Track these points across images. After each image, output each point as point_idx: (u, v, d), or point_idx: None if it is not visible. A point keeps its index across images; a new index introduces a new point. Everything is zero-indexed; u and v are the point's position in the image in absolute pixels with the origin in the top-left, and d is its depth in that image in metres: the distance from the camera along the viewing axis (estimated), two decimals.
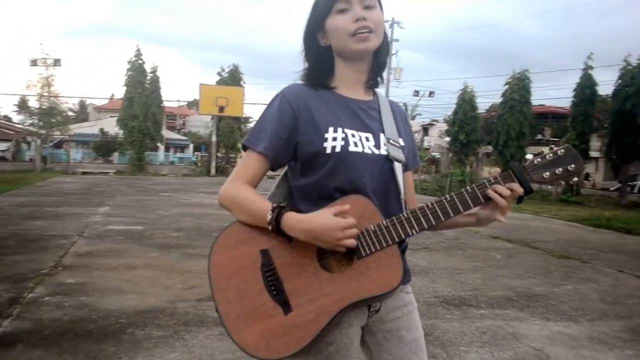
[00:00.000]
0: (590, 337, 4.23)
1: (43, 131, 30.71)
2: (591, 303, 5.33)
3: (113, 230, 8.58)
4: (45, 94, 30.32)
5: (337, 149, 1.38)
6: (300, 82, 1.50)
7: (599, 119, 27.01)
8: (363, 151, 1.41)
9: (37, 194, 15.23)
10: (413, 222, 1.35)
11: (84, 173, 28.14)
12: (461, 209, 1.35)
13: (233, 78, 32.11)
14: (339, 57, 1.48)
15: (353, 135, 1.41)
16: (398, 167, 1.46)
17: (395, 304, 1.49)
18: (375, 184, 1.41)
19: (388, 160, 1.45)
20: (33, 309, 4.31)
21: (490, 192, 1.34)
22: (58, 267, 5.82)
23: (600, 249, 9.10)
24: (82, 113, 58.36)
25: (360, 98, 1.51)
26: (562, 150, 1.35)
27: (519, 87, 24.80)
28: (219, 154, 32.23)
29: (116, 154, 36.33)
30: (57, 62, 30.21)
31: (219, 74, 32.49)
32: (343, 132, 1.40)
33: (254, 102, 45.83)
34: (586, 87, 23.45)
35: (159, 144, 34.07)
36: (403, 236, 1.34)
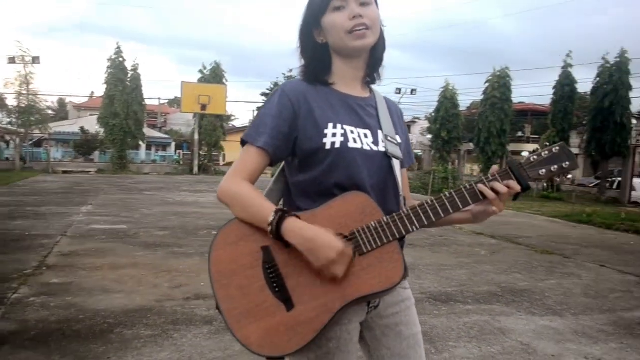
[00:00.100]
0: (576, 331, 4.30)
1: (22, 130, 30.23)
2: (575, 297, 5.41)
3: (97, 230, 8.49)
4: (24, 92, 29.83)
5: (337, 145, 1.38)
6: (299, 78, 1.50)
7: (578, 116, 27.37)
8: (362, 147, 1.41)
9: (17, 193, 15.00)
10: (413, 218, 1.35)
11: (64, 172, 27.74)
12: (460, 206, 1.36)
13: (215, 76, 31.91)
14: (336, 54, 1.48)
15: (352, 132, 1.42)
16: (396, 164, 1.47)
17: (393, 299, 1.50)
18: (373, 180, 1.42)
19: (386, 156, 1.45)
20: (18, 310, 4.25)
21: (488, 190, 1.35)
22: (42, 267, 5.75)
23: (582, 244, 9.25)
24: (62, 111, 57.59)
25: (358, 95, 1.51)
26: (557, 148, 1.38)
27: (499, 84, 25.04)
28: (201, 152, 32.03)
29: (97, 152, 35.95)
30: (35, 60, 29.71)
31: (200, 71, 32.28)
32: (342, 128, 1.41)
33: (237, 100, 45.69)
34: (565, 85, 23.78)
35: (140, 143, 33.77)
36: (404, 233, 1.35)
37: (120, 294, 4.82)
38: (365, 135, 1.44)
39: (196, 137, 31.33)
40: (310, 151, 1.40)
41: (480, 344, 3.89)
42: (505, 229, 10.44)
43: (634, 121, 24.64)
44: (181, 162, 35.46)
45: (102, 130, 31.50)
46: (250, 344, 1.30)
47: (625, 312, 4.97)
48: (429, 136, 27.21)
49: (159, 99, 54.45)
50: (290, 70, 53.56)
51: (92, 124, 35.69)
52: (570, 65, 23.93)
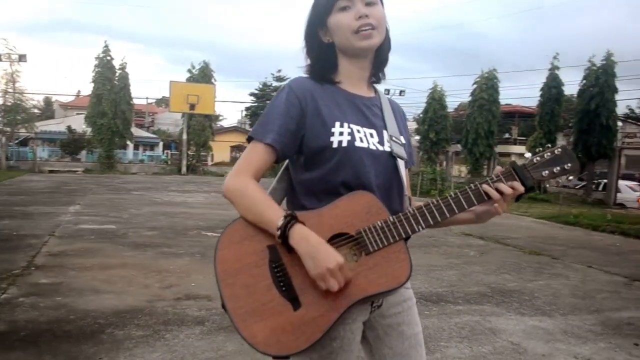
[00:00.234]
0: (565, 331, 4.35)
1: (8, 129, 29.88)
2: (563, 298, 5.47)
3: (85, 230, 8.43)
4: (10, 90, 29.50)
5: (344, 144, 1.38)
6: (305, 76, 1.50)
7: (564, 118, 27.63)
8: (368, 147, 1.42)
9: (3, 192, 14.84)
10: (419, 218, 1.36)
11: (51, 171, 27.47)
12: (465, 206, 1.38)
13: (203, 75, 31.76)
14: (342, 54, 1.48)
15: (358, 131, 1.42)
16: (401, 164, 1.48)
17: (396, 299, 1.51)
18: (379, 179, 1.43)
19: (391, 156, 1.46)
20: (7, 310, 4.21)
21: (492, 190, 1.37)
22: (30, 267, 5.70)
23: (569, 245, 9.35)
24: (48, 110, 56.99)
25: (364, 94, 1.52)
26: (559, 150, 1.40)
27: (487, 86, 25.20)
28: (189, 152, 31.87)
29: (84, 152, 35.58)
30: (22, 58, 29.32)
31: (189, 71, 32.10)
32: (349, 127, 1.41)
33: (225, 100, 45.49)
34: (552, 87, 23.98)
35: (128, 142, 33.51)
36: (410, 232, 1.35)
37: (110, 294, 4.79)
38: (371, 135, 1.45)
39: (184, 136, 31.17)
40: (317, 149, 1.40)
41: (472, 344, 3.92)
42: (494, 230, 10.52)
43: (619, 123, 24.96)
44: (169, 162, 35.26)
45: (89, 129, 31.23)
46: (256, 343, 1.29)
47: (612, 312, 5.03)
48: (417, 137, 27.26)
49: (147, 98, 54.12)
50: (279, 71, 53.65)
51: (79, 123, 35.33)
52: (557, 68, 24.14)
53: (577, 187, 25.84)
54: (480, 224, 1.50)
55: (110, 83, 30.03)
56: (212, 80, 32.18)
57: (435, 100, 26.84)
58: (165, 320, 4.15)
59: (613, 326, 4.56)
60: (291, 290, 1.31)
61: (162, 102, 56.11)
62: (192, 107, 29.81)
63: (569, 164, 1.39)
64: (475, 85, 25.63)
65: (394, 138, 1.49)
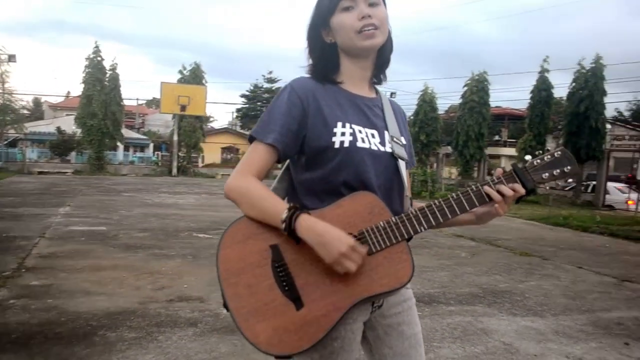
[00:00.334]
0: (556, 331, 4.38)
1: None
2: (554, 298, 5.51)
3: (76, 231, 8.37)
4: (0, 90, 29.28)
5: (346, 144, 1.39)
6: (307, 76, 1.51)
7: (554, 120, 27.78)
8: (370, 147, 1.43)
9: None
10: (421, 219, 1.37)
11: (40, 173, 27.24)
12: (467, 207, 1.39)
13: (195, 76, 31.65)
14: (344, 54, 1.49)
15: (360, 132, 1.43)
16: (402, 165, 1.48)
17: (396, 299, 1.52)
18: (380, 180, 1.43)
19: (393, 157, 1.47)
20: None
21: (494, 192, 1.38)
22: (21, 269, 5.66)
23: (559, 247, 9.40)
24: (37, 111, 56.61)
25: (365, 95, 1.52)
26: (559, 153, 1.41)
27: (477, 88, 25.29)
28: (180, 154, 31.75)
29: (74, 153, 35.33)
30: (11, 58, 29.15)
31: (180, 72, 31.98)
32: (351, 127, 1.42)
33: (216, 102, 45.38)
34: (542, 90, 24.08)
35: (118, 143, 33.33)
36: (412, 233, 1.36)
37: (102, 296, 4.77)
38: (373, 136, 1.46)
39: (175, 138, 31.04)
40: (318, 149, 1.40)
41: (464, 344, 3.94)
42: (484, 232, 10.56)
43: (608, 126, 25.13)
44: (160, 164, 35.10)
45: (79, 130, 31.01)
46: (259, 342, 1.29)
47: (603, 312, 5.07)
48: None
49: (137, 99, 53.76)
50: (270, 72, 53.68)
51: (68, 124, 35.08)
52: (547, 70, 24.24)
53: (566, 189, 26.02)
54: (481, 224, 1.52)
55: (100, 84, 29.83)
56: (203, 82, 32.09)
57: (426, 102, 26.91)
58: (158, 322, 4.14)
59: (604, 326, 4.60)
60: (294, 290, 1.32)
61: (153, 103, 55.94)
62: (183, 108, 29.71)
63: (569, 167, 1.40)
64: (465, 88, 25.74)
65: (395, 139, 1.50)
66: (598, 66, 22.09)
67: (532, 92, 24.20)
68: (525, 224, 13.09)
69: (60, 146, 35.94)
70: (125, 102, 33.64)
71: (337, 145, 1.39)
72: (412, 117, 28.12)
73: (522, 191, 1.39)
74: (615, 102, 38.00)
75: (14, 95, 30.53)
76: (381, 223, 1.35)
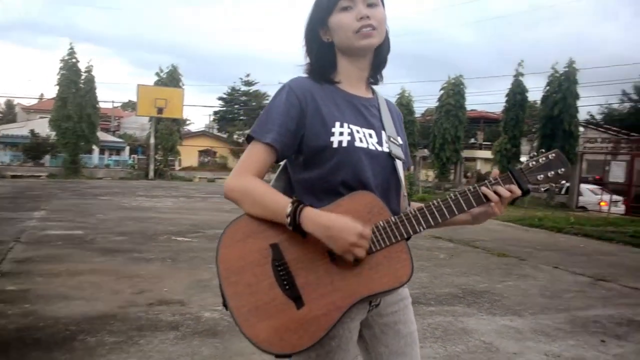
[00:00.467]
0: (535, 330, 4.45)
1: None
2: (532, 298, 5.60)
3: (52, 235, 8.23)
4: None
5: (344, 144, 1.40)
6: (305, 75, 1.51)
7: (528, 123, 28.20)
8: (367, 147, 1.44)
9: None
10: (420, 219, 1.39)
11: (14, 176, 26.68)
12: (465, 208, 1.41)
13: (172, 79, 31.38)
14: (341, 54, 1.50)
15: (358, 131, 1.44)
16: (399, 165, 1.50)
17: (393, 298, 1.53)
18: (378, 180, 1.45)
19: (390, 157, 1.48)
20: None
21: (491, 193, 1.41)
22: None
23: (535, 247, 9.56)
24: (10, 114, 55.55)
25: (362, 95, 1.53)
26: (553, 155, 1.45)
27: (454, 92, 25.64)
28: (157, 157, 31.44)
29: (48, 156, 34.73)
30: None
31: (157, 74, 31.71)
32: (349, 127, 1.43)
33: (193, 104, 45.09)
34: (517, 93, 24.43)
35: (94, 146, 32.85)
36: (411, 232, 1.38)
37: (80, 301, 4.70)
38: (370, 135, 1.47)
39: (152, 141, 30.72)
40: (316, 149, 1.41)
41: (445, 344, 3.98)
42: (462, 233, 10.67)
43: (581, 129, 25.58)
44: (136, 167, 34.69)
45: (54, 133, 30.46)
46: (259, 341, 1.29)
47: (579, 311, 5.17)
48: None
49: (113, 102, 53.16)
50: (248, 75, 53.50)
51: (42, 127, 34.45)
52: (522, 74, 24.60)
53: (540, 191, 26.42)
54: (476, 224, 1.54)
55: (75, 86, 29.32)
56: (181, 84, 31.85)
57: (403, 105, 27.11)
58: (139, 325, 4.10)
59: (581, 324, 4.70)
60: (294, 289, 1.32)
61: (129, 106, 55.25)
62: (160, 110, 29.44)
63: (562, 169, 1.44)
64: (442, 91, 26.03)
65: (391, 139, 1.51)
66: (571, 70, 22.48)
67: (507, 95, 24.53)
68: (501, 226, 13.27)
69: (34, 149, 35.27)
70: (101, 105, 33.17)
71: (335, 145, 1.40)
72: None
73: (518, 192, 1.42)
74: (588, 106, 38.83)
75: None
76: (381, 222, 1.36)
